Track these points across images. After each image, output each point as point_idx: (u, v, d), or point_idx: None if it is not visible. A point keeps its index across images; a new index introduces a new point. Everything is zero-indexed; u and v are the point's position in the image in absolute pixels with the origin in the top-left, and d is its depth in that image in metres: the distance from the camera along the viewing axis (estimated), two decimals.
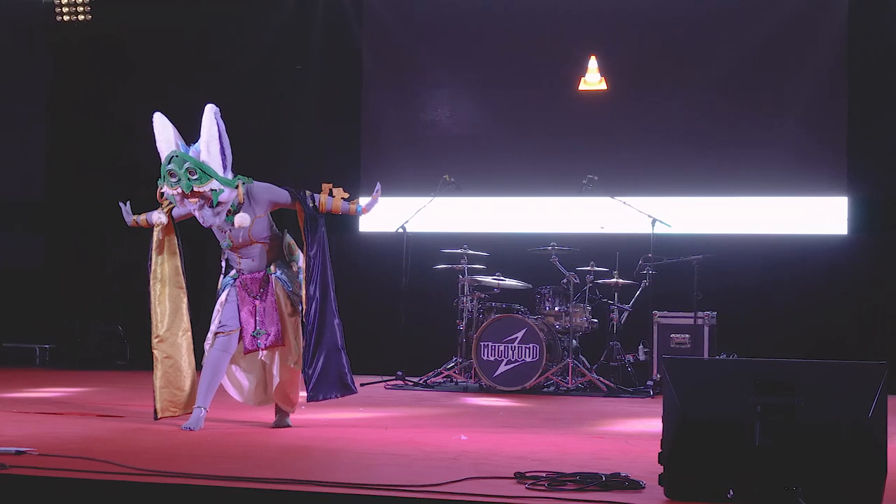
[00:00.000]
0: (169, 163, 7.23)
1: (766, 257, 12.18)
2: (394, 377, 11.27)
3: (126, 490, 5.02)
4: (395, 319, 11.69)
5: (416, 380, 11.19)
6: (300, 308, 7.62)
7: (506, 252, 11.88)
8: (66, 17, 14.02)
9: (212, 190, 7.20)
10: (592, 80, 12.87)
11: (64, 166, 14.19)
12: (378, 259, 12.75)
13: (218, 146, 7.23)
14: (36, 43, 14.29)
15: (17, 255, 14.18)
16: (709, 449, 4.87)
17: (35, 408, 8.45)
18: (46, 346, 13.49)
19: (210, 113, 7.26)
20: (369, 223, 13.02)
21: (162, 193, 7.42)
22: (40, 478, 5.14)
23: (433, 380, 11.22)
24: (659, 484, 4.98)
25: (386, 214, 11.62)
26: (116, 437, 6.82)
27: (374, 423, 8.10)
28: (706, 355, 11.02)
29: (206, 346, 7.53)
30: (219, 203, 7.26)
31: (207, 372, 7.46)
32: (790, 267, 12.11)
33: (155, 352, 7.62)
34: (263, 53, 13.50)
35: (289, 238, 7.76)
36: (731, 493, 4.78)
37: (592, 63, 12.85)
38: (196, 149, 7.25)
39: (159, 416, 7.53)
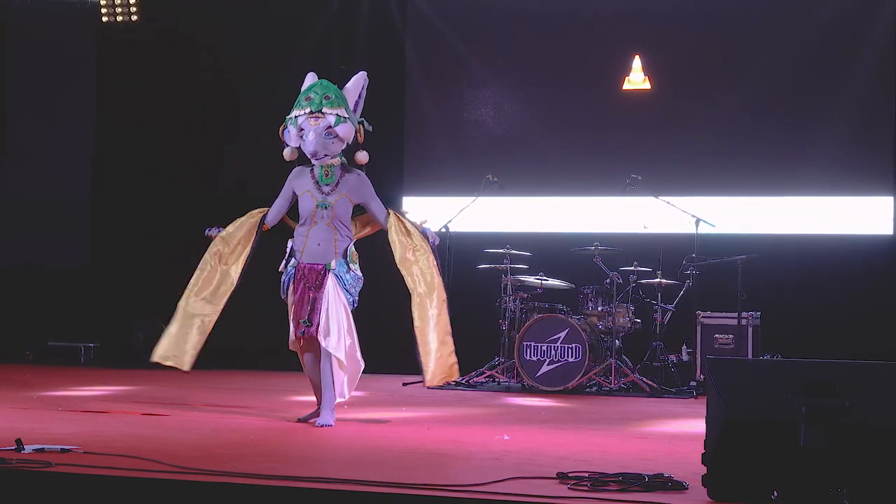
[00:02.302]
0: (311, 89, 7.79)
1: (810, 257, 12.09)
2: None
3: (170, 488, 5.04)
4: None
5: (458, 379, 11.17)
6: (351, 306, 7.77)
7: (549, 252, 11.85)
8: (112, 18, 14.09)
9: (337, 115, 7.66)
10: (636, 79, 12.83)
11: (110, 166, 14.27)
12: None
13: (356, 98, 7.90)
14: (83, 43, 14.38)
15: (63, 255, 14.28)
16: (753, 450, 4.84)
17: (80, 406, 8.52)
18: (91, 344, 13.57)
19: (362, 77, 8.05)
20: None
21: (284, 127, 7.83)
22: (85, 476, 5.17)
23: (476, 379, 11.22)
24: (702, 485, 4.95)
25: (429, 214, 11.61)
26: (161, 435, 6.85)
27: (416, 422, 8.11)
28: (750, 356, 10.97)
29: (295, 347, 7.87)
30: (336, 136, 7.68)
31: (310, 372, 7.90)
32: (835, 267, 12.01)
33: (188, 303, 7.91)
34: (308, 53, 13.52)
35: (353, 248, 7.88)
36: (776, 494, 4.75)
37: (636, 63, 12.81)
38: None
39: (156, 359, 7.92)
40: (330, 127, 7.66)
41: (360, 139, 7.88)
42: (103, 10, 14.09)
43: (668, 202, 11.28)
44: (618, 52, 12.91)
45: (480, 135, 13.40)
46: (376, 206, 7.96)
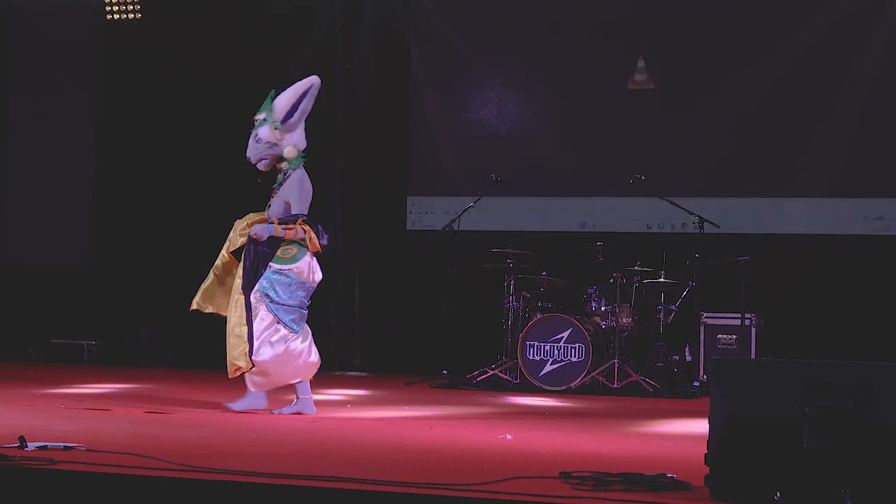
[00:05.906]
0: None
1: (815, 258, 12.09)
2: (439, 376, 11.27)
3: (173, 486, 5.04)
4: (440, 318, 11.69)
5: (461, 379, 11.18)
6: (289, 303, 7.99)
7: (552, 251, 11.85)
8: (115, 16, 14.10)
9: (261, 119, 7.87)
10: (641, 78, 12.82)
11: (113, 164, 14.28)
12: (425, 257, 12.75)
13: (291, 101, 7.88)
14: (86, 41, 14.39)
15: (67, 253, 14.29)
16: (756, 451, 4.83)
17: (83, 404, 8.51)
18: (94, 342, 13.58)
19: (307, 80, 7.98)
20: (416, 222, 13.04)
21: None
22: (88, 473, 5.17)
23: (479, 379, 11.21)
24: (705, 485, 4.95)
25: (433, 213, 11.66)
26: (163, 433, 6.85)
27: (418, 421, 8.10)
28: (753, 356, 10.96)
29: None
30: (259, 138, 7.88)
31: None
32: (840, 268, 12.00)
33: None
34: (311, 52, 13.52)
35: (293, 244, 7.99)
36: (779, 495, 4.75)
37: (641, 62, 12.80)
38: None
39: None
40: (254, 129, 7.94)
41: (276, 140, 7.87)
42: (106, 9, 14.10)
43: (673, 202, 11.28)
44: (622, 51, 12.91)
45: (484, 134, 13.40)
46: (295, 205, 7.98)
